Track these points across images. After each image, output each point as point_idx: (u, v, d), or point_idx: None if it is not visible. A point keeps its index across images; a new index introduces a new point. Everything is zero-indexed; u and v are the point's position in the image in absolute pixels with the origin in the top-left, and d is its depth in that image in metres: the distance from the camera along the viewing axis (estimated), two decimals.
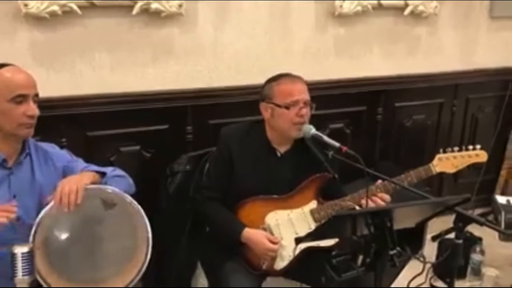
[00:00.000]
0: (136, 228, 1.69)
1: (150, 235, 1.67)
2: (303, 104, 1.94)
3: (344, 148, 1.78)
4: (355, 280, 1.53)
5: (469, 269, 2.74)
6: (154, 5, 2.30)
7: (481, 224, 1.57)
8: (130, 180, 1.87)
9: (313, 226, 1.97)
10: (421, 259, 1.59)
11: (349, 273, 1.51)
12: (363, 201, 1.86)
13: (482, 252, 2.74)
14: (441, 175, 2.01)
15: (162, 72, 2.46)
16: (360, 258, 1.54)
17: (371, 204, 1.86)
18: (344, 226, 1.59)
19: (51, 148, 1.81)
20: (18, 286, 1.48)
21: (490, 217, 2.74)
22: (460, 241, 1.57)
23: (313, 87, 2.05)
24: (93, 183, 1.67)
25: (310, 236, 1.92)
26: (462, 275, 2.71)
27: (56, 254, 1.62)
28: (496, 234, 2.39)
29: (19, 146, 1.69)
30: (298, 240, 1.91)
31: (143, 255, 1.67)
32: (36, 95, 1.66)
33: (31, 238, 1.53)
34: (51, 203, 1.58)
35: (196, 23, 2.47)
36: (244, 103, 2.50)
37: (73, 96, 2.29)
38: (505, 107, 3.37)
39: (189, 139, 2.56)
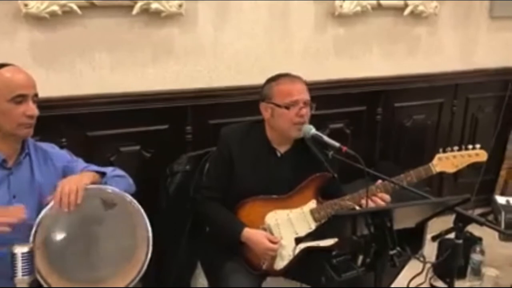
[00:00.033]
0: (136, 228, 1.69)
1: (150, 235, 1.67)
2: (303, 104, 1.94)
3: (344, 148, 1.78)
4: (355, 280, 1.53)
5: (469, 269, 2.74)
6: (154, 5, 2.30)
7: (481, 224, 1.57)
8: (130, 180, 1.87)
9: (313, 225, 1.97)
10: (421, 259, 1.59)
11: (349, 273, 1.51)
12: (363, 201, 1.86)
13: (482, 252, 2.74)
14: (441, 175, 2.01)
15: (162, 72, 2.46)
16: (360, 258, 1.54)
17: (371, 204, 1.86)
18: (344, 226, 1.59)
19: (51, 148, 1.81)
20: (18, 286, 1.48)
21: (490, 217, 2.74)
22: (460, 241, 1.57)
23: (313, 87, 2.06)
24: (93, 183, 1.67)
25: (310, 236, 1.92)
26: (462, 275, 2.71)
27: (56, 254, 1.62)
28: (496, 234, 2.39)
29: (19, 146, 1.69)
30: (298, 240, 1.91)
31: (143, 255, 1.67)
32: (36, 95, 1.66)
33: (31, 238, 1.53)
34: (51, 203, 1.58)
35: (196, 23, 2.48)
36: (244, 103, 2.50)
37: (73, 96, 2.29)
38: (505, 107, 3.37)
39: (189, 139, 2.56)
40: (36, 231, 1.54)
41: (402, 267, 1.59)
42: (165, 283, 2.30)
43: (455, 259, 1.59)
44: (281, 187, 2.00)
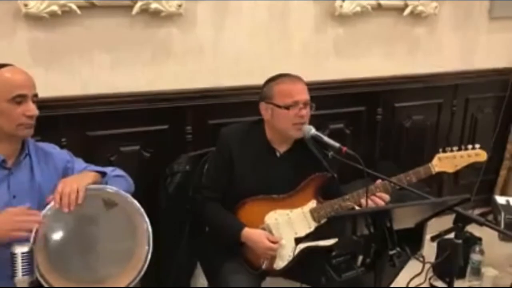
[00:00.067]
0: (136, 228, 1.69)
1: (150, 235, 1.67)
2: (303, 105, 1.93)
3: (344, 149, 1.78)
4: (355, 280, 1.53)
5: (468, 269, 2.74)
6: (154, 5, 2.30)
7: (480, 224, 1.57)
8: (130, 180, 1.88)
9: (312, 225, 1.97)
10: (421, 259, 1.59)
11: (349, 273, 1.52)
12: (363, 201, 1.86)
13: (481, 252, 2.75)
14: (441, 175, 2.01)
15: (162, 72, 2.46)
16: (360, 258, 1.54)
17: (370, 204, 1.86)
18: (344, 226, 1.59)
19: (51, 148, 1.81)
20: (18, 286, 1.48)
21: (490, 217, 2.74)
22: (460, 241, 1.57)
23: (313, 87, 2.05)
24: (94, 183, 1.68)
25: (310, 236, 1.92)
26: (461, 275, 2.71)
27: (56, 254, 1.62)
28: (495, 234, 2.40)
29: (19, 147, 1.69)
30: (298, 240, 1.92)
31: (144, 255, 1.67)
32: (35, 95, 1.66)
33: (31, 238, 1.53)
34: (51, 203, 1.58)
35: (196, 23, 2.47)
36: (243, 103, 2.50)
37: (73, 96, 2.29)
38: (504, 107, 3.37)
39: (188, 139, 2.55)
40: (36, 231, 1.54)
41: (402, 267, 1.60)
42: (165, 283, 2.31)
43: (454, 259, 1.59)
44: (281, 187, 2.00)
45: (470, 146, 1.99)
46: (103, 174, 1.77)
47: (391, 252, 1.49)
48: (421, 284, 1.68)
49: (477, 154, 1.98)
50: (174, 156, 2.37)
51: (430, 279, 2.68)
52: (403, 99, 3.10)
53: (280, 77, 2.00)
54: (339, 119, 2.92)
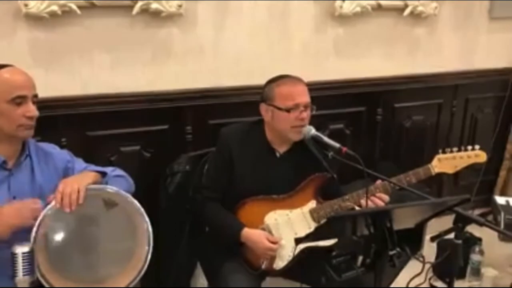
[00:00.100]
0: (137, 228, 1.69)
1: (151, 235, 1.67)
2: (304, 107, 1.93)
3: (344, 149, 1.78)
4: (355, 280, 1.53)
5: (468, 269, 2.74)
6: (154, 5, 2.30)
7: (480, 224, 1.57)
8: (130, 180, 1.88)
9: (312, 225, 1.97)
10: (421, 259, 1.59)
11: (349, 273, 1.52)
12: (363, 201, 1.86)
13: (481, 252, 2.75)
14: (441, 175, 2.01)
15: (162, 72, 2.46)
16: (360, 258, 1.55)
17: (370, 205, 1.86)
18: (344, 226, 1.59)
19: (52, 148, 1.81)
20: (19, 286, 1.48)
21: (490, 218, 2.74)
22: (460, 242, 1.57)
23: (313, 87, 2.05)
24: (94, 183, 1.68)
25: (310, 237, 1.92)
26: (461, 275, 2.72)
27: (57, 254, 1.62)
28: (495, 234, 2.40)
29: (19, 148, 1.69)
30: (298, 241, 1.92)
31: (144, 255, 1.67)
32: (35, 95, 1.66)
33: (31, 238, 1.53)
34: (52, 203, 1.58)
35: (196, 23, 2.48)
36: (243, 103, 2.51)
37: (73, 96, 2.29)
38: (504, 107, 3.37)
39: (188, 139, 2.56)
40: (36, 231, 1.54)
41: (402, 267, 1.60)
42: (165, 283, 2.31)
43: (454, 260, 1.59)
44: (280, 187, 2.00)
45: (469, 147, 1.99)
46: (104, 174, 1.77)
47: (391, 252, 1.49)
48: (421, 284, 1.68)
49: (476, 155, 1.98)
50: (174, 156, 2.37)
51: (430, 279, 2.69)
52: (403, 99, 3.10)
53: (281, 78, 2.00)
54: (339, 120, 2.93)
